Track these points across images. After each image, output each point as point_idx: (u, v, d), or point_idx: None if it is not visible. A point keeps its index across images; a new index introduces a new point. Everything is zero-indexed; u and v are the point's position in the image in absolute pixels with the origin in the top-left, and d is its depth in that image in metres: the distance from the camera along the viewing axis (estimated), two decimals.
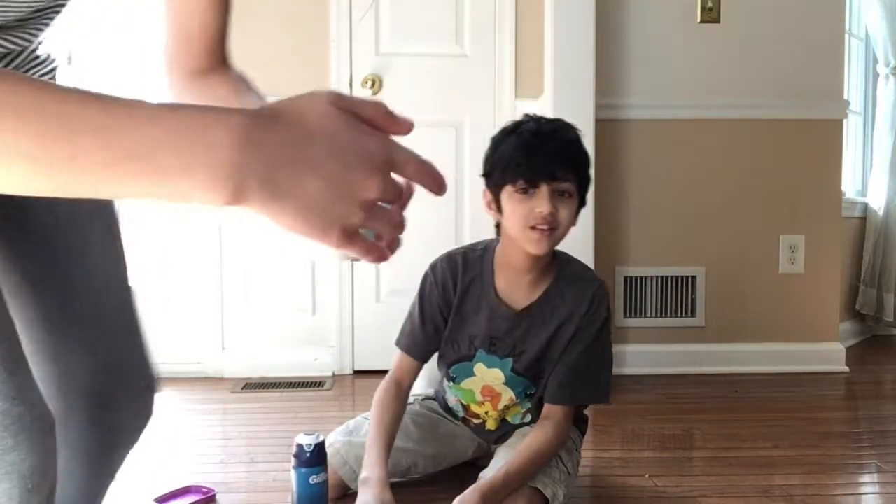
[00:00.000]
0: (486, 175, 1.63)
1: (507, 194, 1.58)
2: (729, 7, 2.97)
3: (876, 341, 3.73)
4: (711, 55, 2.98)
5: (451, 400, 1.83)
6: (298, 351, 2.98)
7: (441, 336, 1.73)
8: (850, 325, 3.60)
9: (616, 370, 2.84)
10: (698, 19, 2.97)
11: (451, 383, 1.78)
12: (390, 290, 2.98)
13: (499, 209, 1.61)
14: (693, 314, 3.04)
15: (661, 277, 3.03)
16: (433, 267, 1.74)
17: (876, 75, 3.79)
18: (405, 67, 2.97)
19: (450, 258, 1.74)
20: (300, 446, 1.50)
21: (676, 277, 3.03)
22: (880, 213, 3.73)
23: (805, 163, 3.03)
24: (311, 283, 3.00)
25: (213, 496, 1.76)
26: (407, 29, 2.97)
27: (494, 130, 1.71)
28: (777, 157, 3.02)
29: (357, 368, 3.00)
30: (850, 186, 3.79)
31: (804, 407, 2.59)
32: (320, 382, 2.86)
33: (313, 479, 1.50)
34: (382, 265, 3.00)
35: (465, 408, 1.81)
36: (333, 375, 2.96)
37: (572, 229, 1.61)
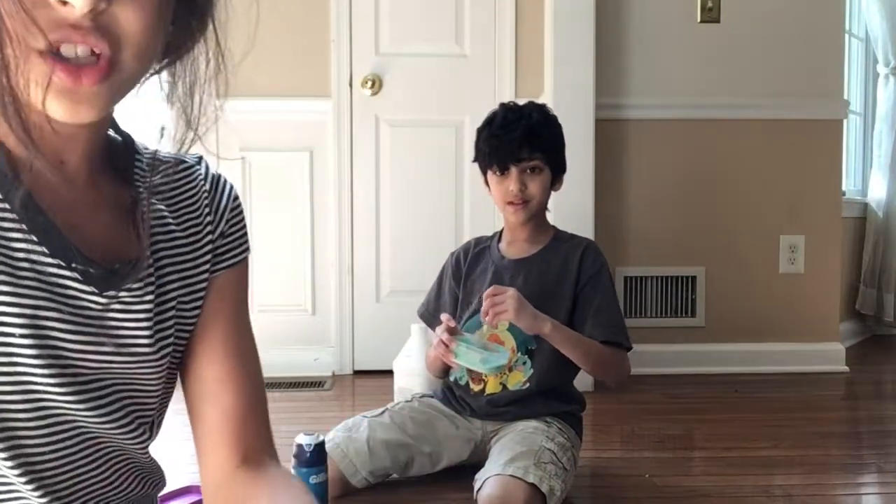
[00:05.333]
0: (475, 161, 1.93)
1: (489, 176, 1.88)
2: (729, 7, 2.97)
3: (876, 341, 3.73)
4: (711, 55, 2.98)
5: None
6: (298, 351, 2.98)
7: (454, 303, 1.93)
8: (850, 325, 3.60)
9: None
10: (698, 19, 2.97)
11: None
12: (390, 290, 2.98)
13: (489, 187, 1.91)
14: (693, 314, 3.04)
15: (661, 277, 3.03)
16: (452, 252, 2.03)
17: (876, 75, 3.79)
18: (405, 67, 2.97)
19: (467, 242, 2.05)
20: (300, 446, 1.50)
21: (676, 277, 3.03)
22: (880, 213, 3.73)
23: (805, 163, 3.03)
24: (311, 283, 3.00)
25: None
26: (407, 29, 2.97)
27: None
28: (777, 157, 3.03)
29: (357, 368, 3.00)
30: (850, 186, 3.80)
31: (804, 407, 2.59)
32: (320, 382, 2.86)
33: (313, 479, 1.50)
34: (383, 265, 3.01)
35: (469, 370, 1.83)
36: (333, 375, 2.96)
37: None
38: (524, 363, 1.80)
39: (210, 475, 0.75)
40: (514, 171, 1.81)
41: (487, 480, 1.57)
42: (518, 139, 1.79)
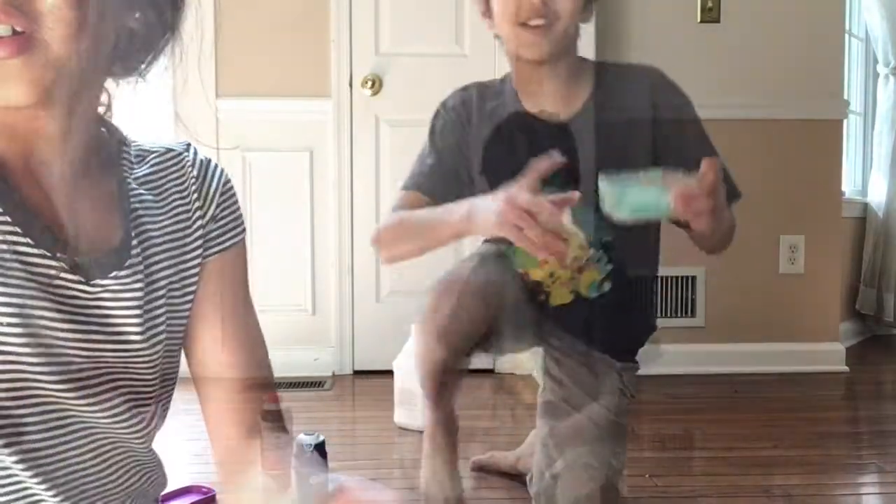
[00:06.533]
0: None
1: None
2: (729, 7, 2.97)
3: (876, 341, 3.72)
4: (711, 55, 2.98)
5: None
6: (298, 351, 2.98)
7: (459, 181, 1.43)
8: (850, 325, 3.60)
9: None
10: (698, 19, 2.97)
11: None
12: (390, 290, 2.98)
13: (492, 15, 1.35)
14: (693, 314, 3.03)
15: (661, 277, 3.02)
16: (443, 103, 1.49)
17: (876, 75, 3.79)
18: (405, 67, 2.97)
19: (462, 89, 1.49)
20: (300, 446, 1.50)
21: (676, 277, 3.03)
22: (880, 213, 3.73)
23: (805, 163, 3.03)
24: (311, 283, 3.00)
25: (213, 496, 1.76)
26: (407, 29, 2.97)
27: None
28: (777, 157, 3.02)
29: (357, 368, 3.00)
30: (850, 186, 3.79)
31: (804, 407, 2.59)
32: (320, 382, 2.86)
33: (313, 480, 1.49)
34: (383, 265, 3.00)
35: (523, 278, 1.46)
36: (333, 375, 2.96)
37: None
38: (598, 260, 1.44)
39: (221, 452, 0.78)
40: None
41: None
42: None
